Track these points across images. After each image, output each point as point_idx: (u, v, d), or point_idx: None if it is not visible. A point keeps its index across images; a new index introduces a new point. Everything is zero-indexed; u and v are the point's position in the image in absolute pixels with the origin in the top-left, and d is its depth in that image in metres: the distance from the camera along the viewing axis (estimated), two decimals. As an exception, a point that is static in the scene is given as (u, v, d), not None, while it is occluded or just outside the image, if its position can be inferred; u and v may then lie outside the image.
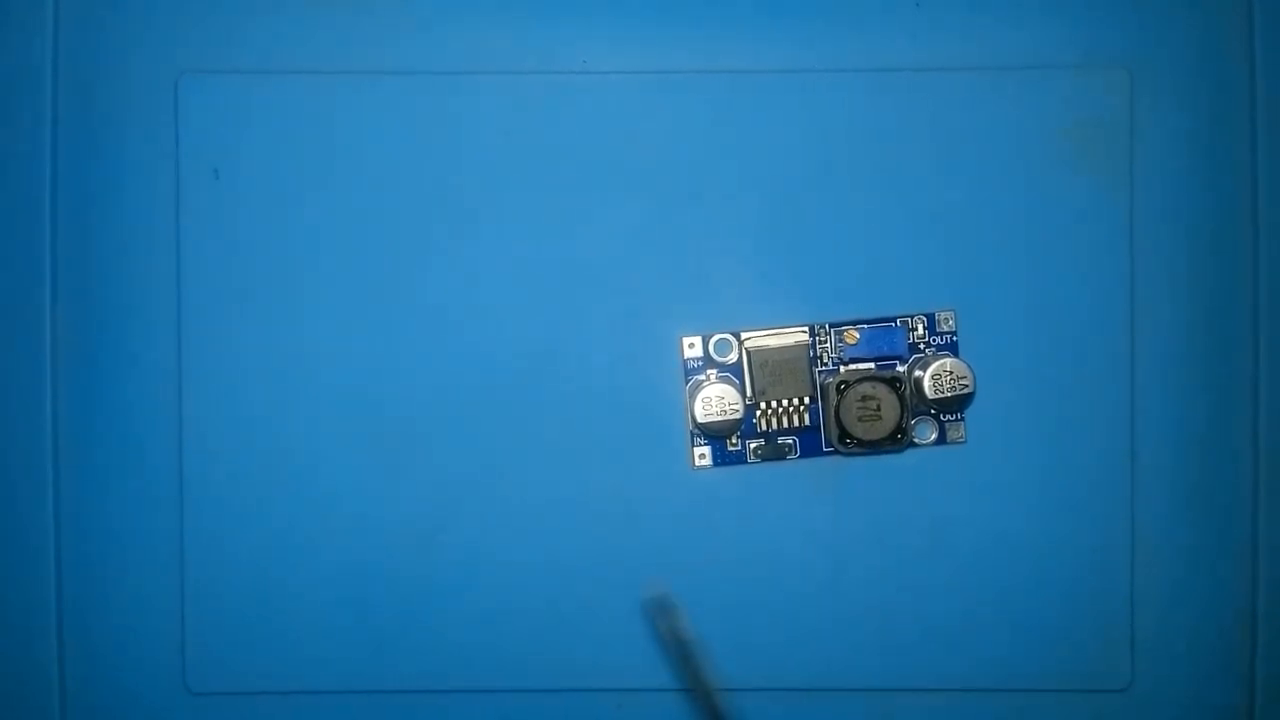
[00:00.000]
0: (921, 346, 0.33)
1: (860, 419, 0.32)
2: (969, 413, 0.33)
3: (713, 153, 0.34)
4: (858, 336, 0.33)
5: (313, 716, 0.34)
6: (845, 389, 0.32)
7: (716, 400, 0.32)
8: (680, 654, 0.28)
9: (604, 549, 0.34)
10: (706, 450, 0.34)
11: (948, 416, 0.33)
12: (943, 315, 0.33)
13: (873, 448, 0.32)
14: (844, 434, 0.32)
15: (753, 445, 0.33)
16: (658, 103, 0.34)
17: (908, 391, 0.32)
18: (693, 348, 0.34)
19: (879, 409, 0.32)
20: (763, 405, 0.33)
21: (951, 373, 0.32)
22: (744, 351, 0.33)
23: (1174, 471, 0.34)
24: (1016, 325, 0.33)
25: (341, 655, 0.34)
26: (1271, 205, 0.34)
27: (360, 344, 0.34)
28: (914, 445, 0.33)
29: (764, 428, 0.33)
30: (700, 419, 0.32)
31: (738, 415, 0.32)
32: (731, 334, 0.34)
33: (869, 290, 0.33)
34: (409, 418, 0.33)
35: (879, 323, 0.33)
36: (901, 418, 0.32)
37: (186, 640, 0.34)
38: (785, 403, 0.33)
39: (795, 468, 0.34)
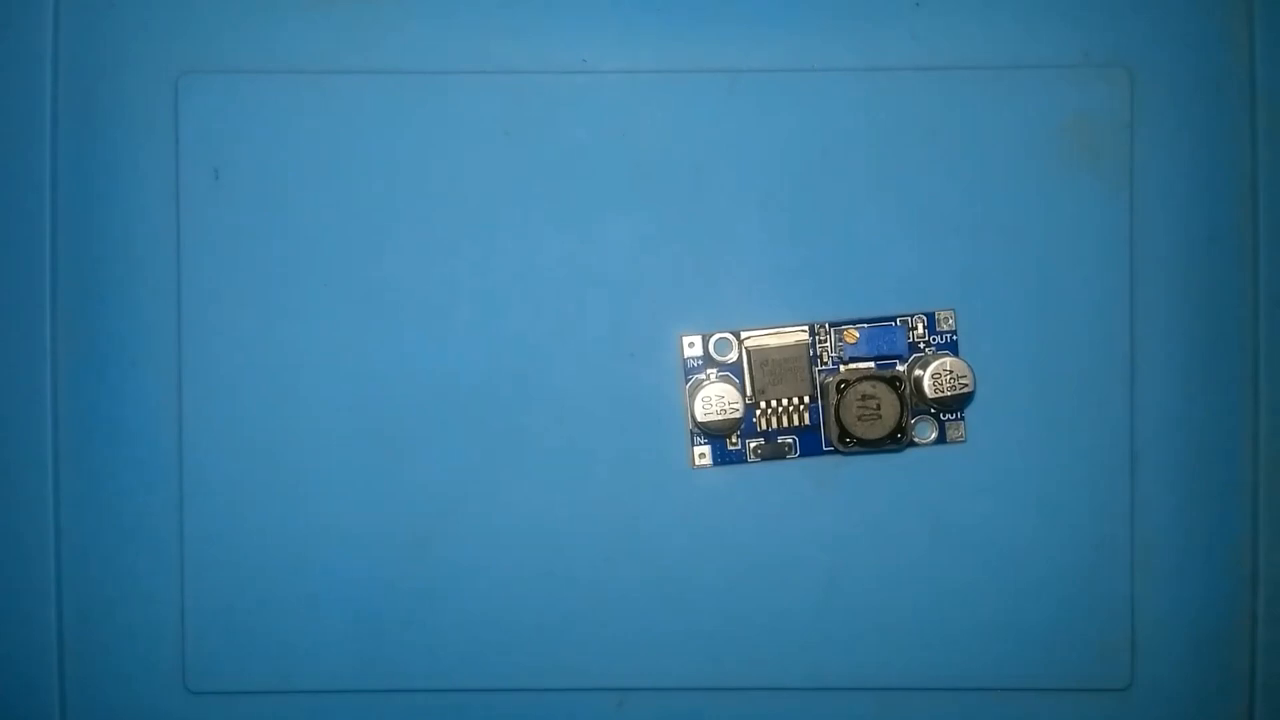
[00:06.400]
0: (921, 345, 0.33)
1: (860, 418, 0.32)
2: (969, 412, 0.33)
3: (713, 152, 0.34)
4: (857, 336, 0.33)
5: (312, 716, 0.34)
6: (845, 388, 0.32)
7: (716, 399, 0.32)
8: None
9: (604, 547, 0.34)
10: (706, 449, 0.34)
11: (948, 416, 0.33)
12: (942, 314, 0.33)
13: (873, 447, 0.32)
14: (844, 433, 0.32)
15: (753, 444, 0.33)
16: (658, 102, 0.34)
17: (908, 391, 0.32)
18: (692, 347, 0.34)
19: (879, 408, 0.32)
20: (762, 404, 0.33)
21: (951, 372, 0.32)
22: (744, 350, 0.33)
23: (1174, 471, 0.34)
24: (1016, 324, 0.33)
25: (341, 654, 0.34)
26: (1271, 205, 0.34)
27: (360, 342, 0.34)
28: (914, 444, 0.33)
29: (764, 427, 0.33)
30: (700, 418, 0.32)
31: (738, 414, 0.32)
32: (731, 333, 0.34)
33: (869, 289, 0.33)
34: (409, 416, 0.33)
35: (879, 322, 0.33)
36: (901, 417, 0.32)
37: (186, 640, 0.34)
38: (785, 402, 0.33)
39: (795, 467, 0.34)
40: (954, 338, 0.33)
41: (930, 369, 0.32)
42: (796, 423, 0.33)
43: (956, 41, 0.34)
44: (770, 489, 0.34)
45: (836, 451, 0.33)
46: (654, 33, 0.34)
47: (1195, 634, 0.34)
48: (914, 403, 0.33)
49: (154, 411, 0.34)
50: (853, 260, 0.34)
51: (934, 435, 0.34)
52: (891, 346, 0.33)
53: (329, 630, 0.34)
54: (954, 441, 0.34)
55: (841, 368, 0.33)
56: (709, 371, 0.34)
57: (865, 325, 0.33)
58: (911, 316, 0.33)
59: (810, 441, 0.33)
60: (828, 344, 0.33)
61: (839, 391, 0.32)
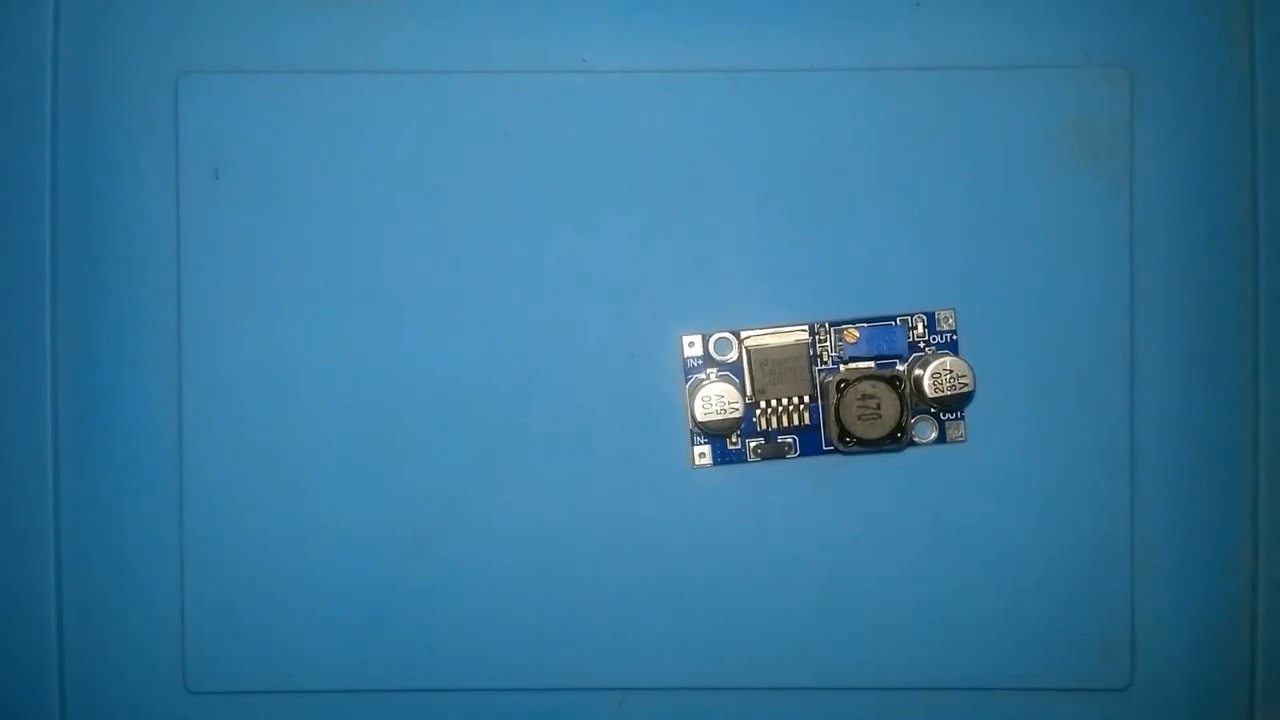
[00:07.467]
0: (921, 345, 0.33)
1: (860, 418, 0.32)
2: (969, 411, 0.33)
3: (713, 152, 0.34)
4: (857, 335, 0.33)
5: (312, 716, 0.34)
6: (845, 388, 0.32)
7: (716, 399, 0.32)
8: None
9: (604, 547, 0.34)
10: (706, 449, 0.34)
11: (948, 415, 0.33)
12: (942, 314, 0.33)
13: (873, 446, 0.32)
14: (844, 433, 0.32)
15: (752, 444, 0.33)
16: (658, 102, 0.34)
17: (908, 390, 0.32)
18: (692, 346, 0.34)
19: (879, 408, 0.32)
20: (762, 404, 0.33)
21: (951, 371, 0.32)
22: (744, 350, 0.33)
23: (1174, 471, 0.34)
24: (1016, 324, 0.33)
25: (341, 654, 0.34)
26: (1271, 205, 0.34)
27: (360, 342, 0.34)
28: (914, 444, 0.33)
29: (764, 426, 0.33)
30: (700, 418, 0.32)
31: (737, 414, 0.32)
32: (731, 333, 0.34)
33: (869, 289, 0.33)
34: (409, 416, 0.33)
35: (879, 321, 0.33)
36: (901, 416, 0.32)
37: (186, 640, 0.34)
38: (785, 401, 0.33)
39: (795, 466, 0.34)
40: (954, 337, 0.33)
41: (930, 369, 0.32)
42: (796, 422, 0.33)
43: (956, 41, 0.34)
44: (770, 489, 0.34)
45: (836, 451, 0.33)
46: (654, 33, 0.34)
47: (1195, 634, 0.34)
48: (914, 402, 0.33)
49: (154, 411, 0.34)
50: (853, 260, 0.34)
51: (934, 435, 0.34)
52: (891, 346, 0.33)
53: (329, 630, 0.34)
54: (954, 441, 0.34)
55: (841, 367, 0.33)
56: (709, 371, 0.34)
57: (865, 325, 0.33)
58: (911, 316, 0.33)
59: (810, 441, 0.33)
60: (828, 343, 0.33)
61: (839, 391, 0.32)
